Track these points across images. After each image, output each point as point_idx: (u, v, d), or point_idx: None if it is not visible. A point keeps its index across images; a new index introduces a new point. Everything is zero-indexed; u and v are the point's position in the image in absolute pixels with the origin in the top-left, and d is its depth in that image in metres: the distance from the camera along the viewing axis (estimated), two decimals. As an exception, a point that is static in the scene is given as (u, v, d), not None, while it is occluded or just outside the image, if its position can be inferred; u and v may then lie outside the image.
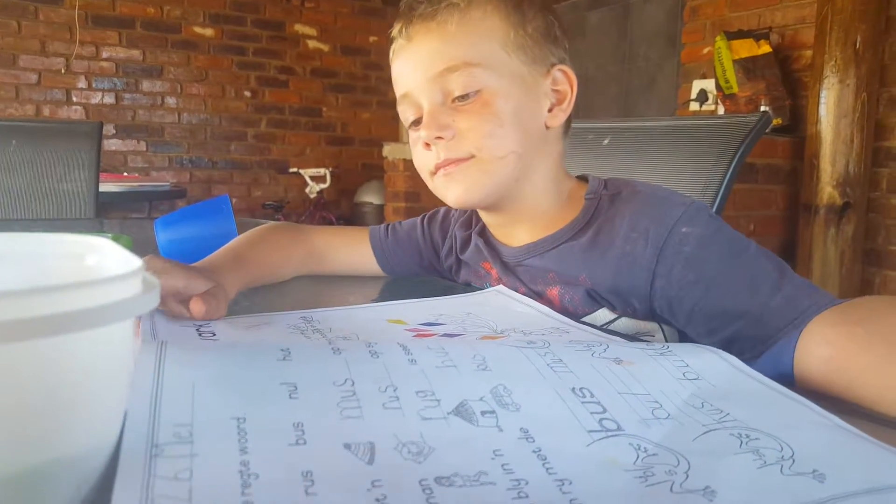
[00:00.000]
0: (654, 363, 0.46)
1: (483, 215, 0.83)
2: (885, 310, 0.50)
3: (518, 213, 0.78)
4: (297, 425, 0.35)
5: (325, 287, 0.87)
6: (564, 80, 0.76)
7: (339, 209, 5.04)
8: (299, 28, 4.86)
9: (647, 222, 0.69)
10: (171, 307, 0.61)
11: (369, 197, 4.79)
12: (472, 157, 0.72)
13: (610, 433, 0.37)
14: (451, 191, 0.74)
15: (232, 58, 4.66)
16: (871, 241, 2.63)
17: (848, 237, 2.54)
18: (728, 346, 0.59)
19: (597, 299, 0.72)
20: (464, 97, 0.71)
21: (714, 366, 0.46)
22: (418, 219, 0.94)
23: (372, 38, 5.12)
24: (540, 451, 0.35)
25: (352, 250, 0.92)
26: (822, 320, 0.49)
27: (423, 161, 0.76)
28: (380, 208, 4.64)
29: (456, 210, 0.90)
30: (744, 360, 0.46)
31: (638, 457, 0.36)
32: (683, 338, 0.71)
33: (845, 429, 0.38)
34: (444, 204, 0.80)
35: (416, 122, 0.75)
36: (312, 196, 4.79)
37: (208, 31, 4.57)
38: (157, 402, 0.35)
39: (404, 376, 0.41)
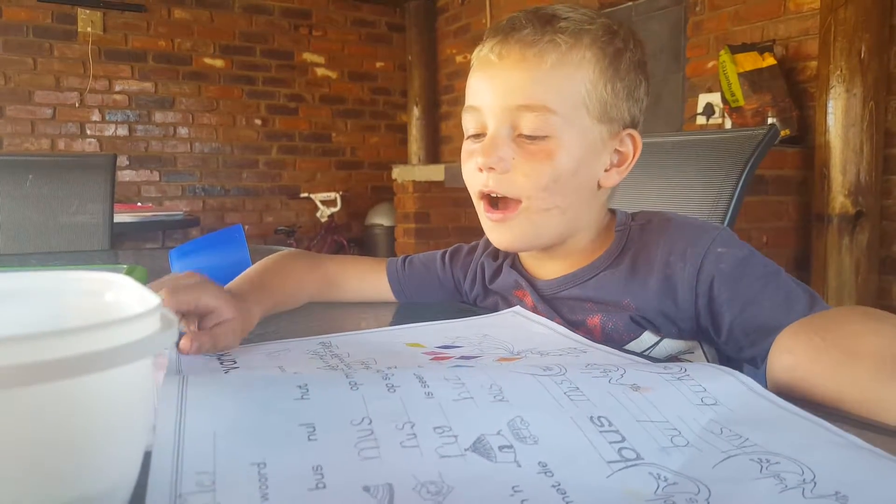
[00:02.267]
0: (672, 389, 0.45)
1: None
2: (845, 318, 0.51)
3: (557, 252, 0.79)
4: (316, 469, 0.35)
5: (340, 312, 0.87)
6: (630, 143, 0.77)
7: (350, 232, 5.06)
8: (307, 56, 4.92)
9: (684, 244, 0.71)
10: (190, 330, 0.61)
11: (380, 219, 4.82)
12: (520, 202, 0.72)
13: (629, 463, 0.37)
14: (500, 236, 0.76)
15: (242, 87, 4.72)
16: (886, 249, 2.61)
17: (862, 246, 2.52)
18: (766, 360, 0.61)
19: (641, 324, 0.72)
20: (531, 138, 0.71)
21: (731, 389, 0.46)
22: (438, 254, 0.94)
23: (379, 64, 5.18)
24: (559, 485, 0.35)
25: (366, 280, 0.93)
26: (787, 331, 0.50)
27: (473, 180, 0.76)
28: (390, 230, 4.66)
29: (480, 244, 0.91)
30: None
31: (658, 486, 0.35)
32: (721, 356, 0.73)
33: (863, 447, 0.38)
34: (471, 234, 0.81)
35: (476, 136, 0.75)
36: (323, 220, 4.82)
37: (218, 62, 4.64)
38: (180, 450, 0.35)
39: (421, 412, 0.41)
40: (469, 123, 0.76)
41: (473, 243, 0.93)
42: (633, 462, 0.37)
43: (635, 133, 0.77)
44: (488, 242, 0.91)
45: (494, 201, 0.75)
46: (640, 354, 0.63)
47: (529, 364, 0.53)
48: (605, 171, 0.76)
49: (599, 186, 0.76)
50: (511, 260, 0.86)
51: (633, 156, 0.77)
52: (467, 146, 0.77)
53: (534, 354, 0.59)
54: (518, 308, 0.76)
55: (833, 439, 0.39)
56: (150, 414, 0.31)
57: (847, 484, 0.34)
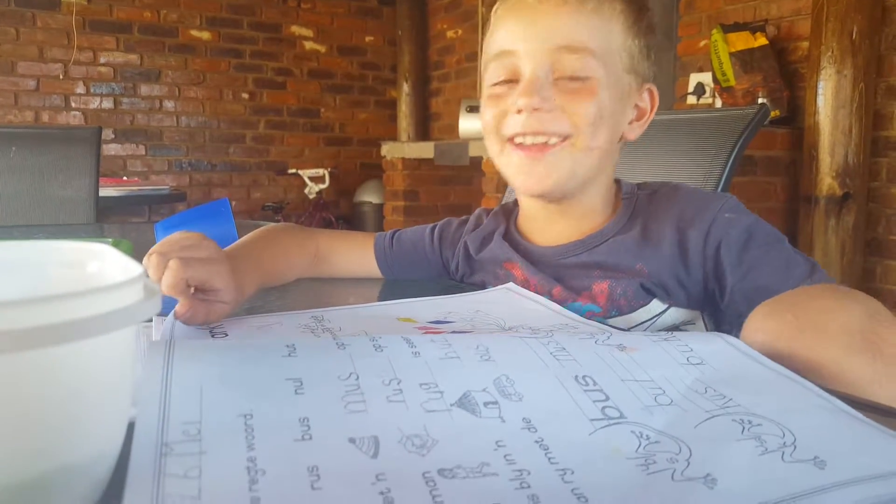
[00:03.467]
0: (658, 349, 0.46)
1: (530, 209, 0.83)
2: (815, 296, 0.52)
3: (568, 210, 0.79)
4: (302, 420, 0.35)
5: (331, 287, 0.87)
6: (649, 99, 0.79)
7: (339, 209, 5.04)
8: (296, 29, 4.86)
9: (693, 211, 0.73)
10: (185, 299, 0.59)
11: (368, 196, 4.80)
12: (567, 138, 0.72)
13: (612, 421, 0.38)
14: (533, 173, 0.74)
15: (229, 60, 4.66)
16: (872, 231, 2.63)
17: (848, 227, 2.54)
18: None
19: (651, 290, 0.73)
20: (572, 79, 0.72)
21: (719, 350, 0.46)
22: (426, 229, 0.93)
23: (368, 38, 5.12)
24: (542, 440, 0.36)
25: (355, 255, 0.92)
26: (759, 310, 0.51)
27: (506, 124, 0.74)
28: (379, 207, 4.64)
29: (471, 219, 0.91)
30: None
31: (640, 444, 0.36)
32: (719, 327, 0.75)
33: (849, 413, 0.38)
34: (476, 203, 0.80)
35: (505, 83, 0.74)
36: (312, 197, 4.79)
37: (205, 35, 4.58)
38: (167, 401, 0.36)
39: (408, 368, 0.41)
40: (498, 70, 0.75)
41: (463, 217, 0.92)
42: (616, 420, 0.38)
43: (654, 88, 0.80)
44: (479, 217, 0.90)
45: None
46: (646, 322, 0.65)
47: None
48: (629, 123, 0.78)
49: (622, 139, 0.78)
50: (504, 230, 0.85)
51: (651, 110, 0.80)
52: (493, 91, 0.76)
53: (525, 329, 0.59)
54: (511, 284, 0.76)
55: (818, 403, 0.39)
56: (132, 384, 0.31)
57: (827, 449, 0.34)
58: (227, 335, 0.57)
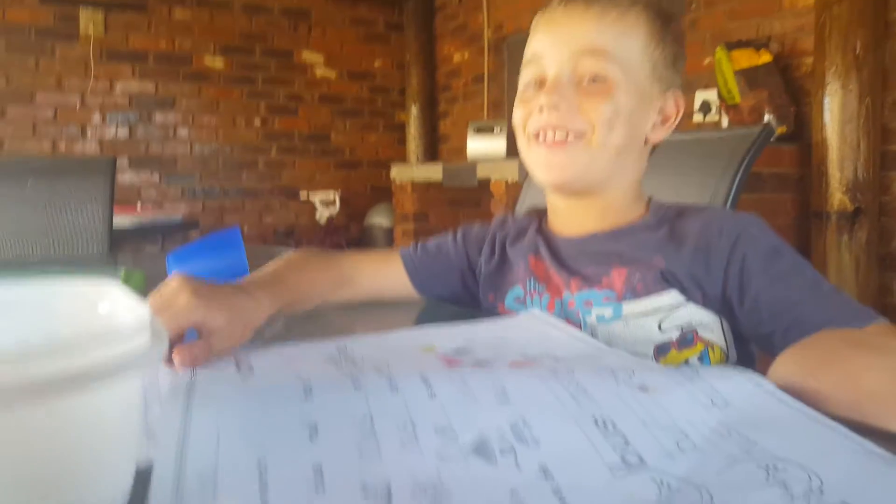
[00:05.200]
0: (682, 390, 0.44)
1: (555, 203, 0.87)
2: (839, 349, 0.52)
3: (594, 203, 0.83)
4: (316, 469, 0.35)
5: (360, 315, 0.88)
6: (674, 104, 0.84)
7: (349, 233, 5.06)
8: (307, 56, 4.92)
9: (721, 223, 0.76)
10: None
11: (378, 219, 4.81)
12: (584, 135, 0.77)
13: (632, 468, 0.36)
14: (554, 163, 0.79)
15: (242, 88, 4.72)
16: (886, 246, 2.60)
17: (862, 243, 2.52)
18: (786, 334, 0.66)
19: (670, 281, 0.75)
20: (591, 80, 0.77)
21: (745, 391, 0.45)
22: (448, 234, 0.96)
23: (377, 63, 5.18)
24: (559, 490, 0.34)
25: (381, 272, 0.92)
26: (789, 354, 0.51)
27: (530, 122, 0.80)
28: (389, 230, 4.65)
29: (495, 221, 0.94)
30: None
31: (660, 493, 0.35)
32: (737, 335, 0.76)
33: (877, 454, 0.37)
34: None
35: (533, 86, 0.80)
36: (322, 222, 4.81)
37: (218, 63, 4.64)
38: (184, 448, 0.36)
39: (423, 411, 0.41)
40: (528, 75, 0.81)
41: (486, 223, 0.95)
42: (636, 467, 0.37)
43: (680, 95, 0.84)
44: (504, 220, 0.93)
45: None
46: (661, 311, 0.67)
47: (538, 367, 0.52)
48: (652, 126, 0.82)
49: (646, 142, 0.83)
50: (538, 224, 0.89)
51: (677, 116, 0.84)
52: (522, 95, 0.82)
53: (548, 359, 0.58)
54: (535, 311, 0.76)
55: (847, 445, 0.38)
56: (140, 428, 0.32)
57: (855, 493, 0.33)
58: (252, 368, 0.57)
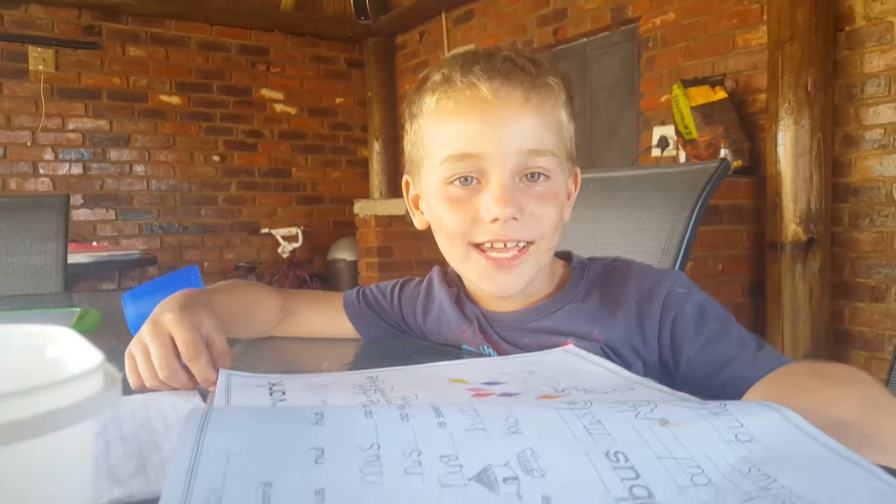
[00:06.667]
0: (704, 424, 0.43)
1: (477, 290, 0.83)
2: (801, 376, 0.54)
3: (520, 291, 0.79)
4: (318, 492, 0.35)
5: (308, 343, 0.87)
6: (573, 181, 0.81)
7: (313, 267, 5.03)
8: (266, 93, 4.92)
9: (650, 284, 0.74)
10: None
11: (342, 254, 4.79)
12: (532, 242, 0.73)
13: (639, 501, 0.36)
14: (509, 280, 0.73)
15: (199, 124, 4.69)
16: (838, 275, 2.68)
17: (815, 272, 2.59)
18: (722, 389, 0.67)
19: (609, 356, 0.73)
20: (532, 176, 0.72)
21: (771, 425, 0.43)
22: (388, 287, 0.93)
23: (338, 100, 5.20)
24: None
25: (324, 311, 0.92)
26: (758, 389, 0.52)
27: (475, 232, 0.72)
28: (353, 264, 4.64)
29: (425, 281, 0.91)
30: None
31: None
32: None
33: None
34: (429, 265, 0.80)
35: (462, 182, 0.72)
36: (285, 256, 4.78)
37: (174, 99, 4.61)
38: (195, 467, 0.36)
39: (430, 439, 0.40)
40: (459, 169, 0.72)
41: (422, 278, 0.93)
42: (644, 500, 0.36)
43: (578, 171, 0.82)
44: (430, 282, 0.90)
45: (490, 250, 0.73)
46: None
47: (555, 400, 0.52)
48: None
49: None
50: (455, 296, 0.85)
51: (576, 189, 0.81)
52: (450, 193, 0.73)
53: (578, 392, 0.57)
54: (570, 346, 0.74)
55: (876, 486, 0.36)
56: (91, 477, 0.30)
57: None
58: (284, 393, 0.59)
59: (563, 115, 0.75)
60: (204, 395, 0.62)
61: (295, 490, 0.35)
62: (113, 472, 0.43)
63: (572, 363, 0.69)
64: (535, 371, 0.65)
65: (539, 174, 0.72)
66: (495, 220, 0.70)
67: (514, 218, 0.70)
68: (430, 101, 0.74)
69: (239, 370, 0.66)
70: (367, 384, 0.62)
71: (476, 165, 0.71)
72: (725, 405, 0.46)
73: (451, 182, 0.73)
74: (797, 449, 0.41)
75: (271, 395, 0.59)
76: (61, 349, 0.34)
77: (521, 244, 0.72)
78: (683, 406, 0.46)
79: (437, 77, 0.74)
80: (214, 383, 0.62)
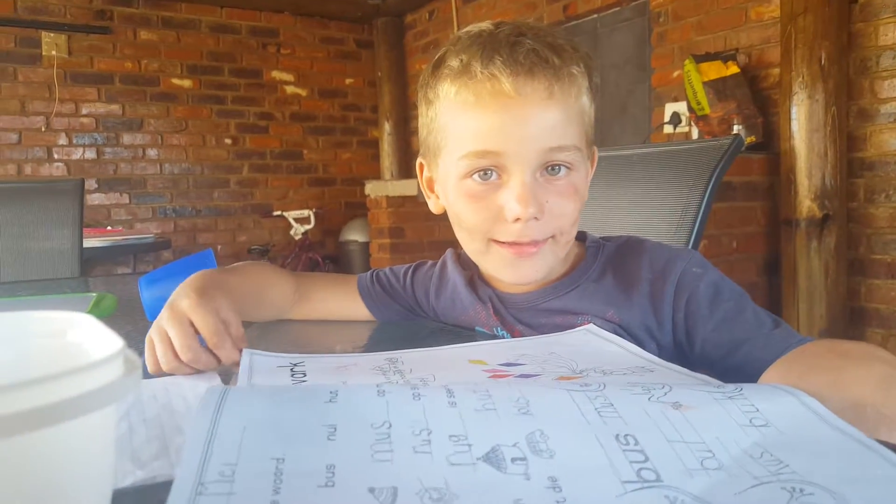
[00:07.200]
0: (719, 408, 0.43)
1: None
2: (819, 354, 0.54)
3: None
4: (329, 467, 0.36)
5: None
6: (590, 161, 0.79)
7: (325, 249, 5.04)
8: (276, 74, 4.91)
9: (664, 263, 0.74)
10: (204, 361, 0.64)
11: (354, 235, 4.80)
12: (553, 236, 0.72)
13: (646, 484, 0.35)
14: (529, 270, 0.73)
15: (211, 107, 4.70)
16: (854, 251, 2.66)
17: (830, 249, 2.57)
18: (738, 370, 0.66)
19: (624, 337, 0.72)
20: (554, 169, 0.70)
21: (787, 410, 0.43)
22: (402, 270, 0.94)
23: (348, 81, 5.19)
24: (565, 501, 0.34)
25: (338, 294, 0.93)
26: (776, 367, 0.51)
27: (497, 231, 0.72)
28: (365, 245, 4.65)
29: (439, 263, 0.91)
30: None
31: None
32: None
33: None
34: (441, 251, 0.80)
35: (481, 177, 0.71)
36: (297, 238, 4.80)
37: (186, 83, 4.61)
38: (211, 442, 0.37)
39: (440, 419, 0.41)
40: (474, 165, 0.70)
41: (435, 261, 0.93)
42: (651, 483, 0.35)
43: (595, 149, 0.80)
44: (444, 264, 0.91)
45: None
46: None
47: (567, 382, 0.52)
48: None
49: None
50: (469, 278, 0.85)
51: (592, 169, 0.80)
52: (469, 188, 0.72)
53: (597, 373, 0.57)
54: (591, 326, 0.73)
55: (890, 472, 0.36)
56: (112, 461, 0.31)
57: None
58: (305, 375, 0.60)
59: (586, 100, 0.72)
60: (225, 379, 0.63)
61: (306, 465, 0.36)
62: (136, 454, 0.44)
63: (593, 343, 0.69)
64: (555, 352, 0.65)
65: (561, 166, 0.71)
66: (517, 219, 0.69)
67: (537, 218, 0.69)
68: (448, 90, 0.71)
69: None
70: (387, 366, 0.62)
71: (497, 161, 0.69)
72: (741, 389, 0.45)
73: (470, 176, 0.71)
74: (812, 434, 0.40)
75: (292, 375, 0.60)
76: (82, 335, 0.35)
77: (543, 239, 0.72)
78: (698, 389, 0.46)
79: (454, 63, 0.70)
80: (237, 364, 0.63)
